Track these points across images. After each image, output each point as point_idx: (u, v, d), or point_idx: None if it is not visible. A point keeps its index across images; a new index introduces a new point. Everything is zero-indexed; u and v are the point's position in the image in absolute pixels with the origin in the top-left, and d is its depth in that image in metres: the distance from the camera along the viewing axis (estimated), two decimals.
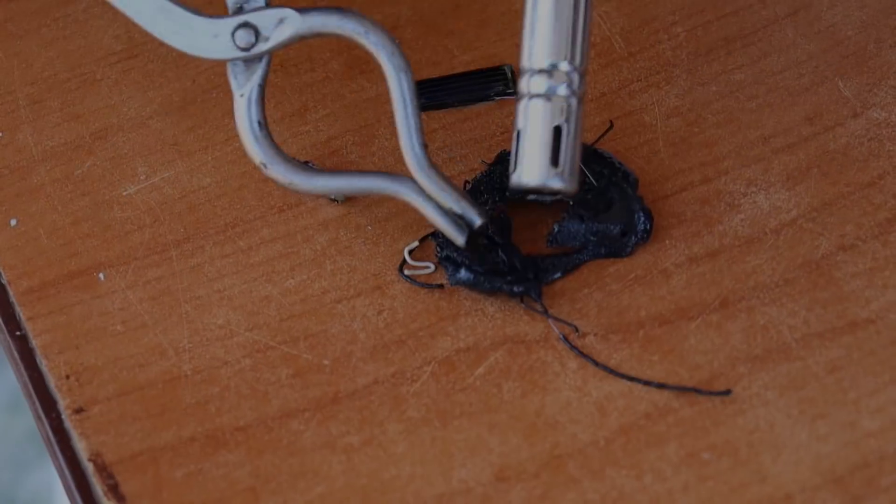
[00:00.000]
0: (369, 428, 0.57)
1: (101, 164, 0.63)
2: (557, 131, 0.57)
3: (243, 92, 0.57)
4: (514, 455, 0.56)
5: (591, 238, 0.60)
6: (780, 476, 0.55)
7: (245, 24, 0.57)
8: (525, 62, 0.58)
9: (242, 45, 0.57)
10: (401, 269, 0.60)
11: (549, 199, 0.59)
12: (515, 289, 0.59)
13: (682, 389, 0.57)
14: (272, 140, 0.57)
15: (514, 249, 0.60)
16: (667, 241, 0.61)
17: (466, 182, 0.61)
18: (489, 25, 0.67)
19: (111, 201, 0.62)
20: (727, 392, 0.56)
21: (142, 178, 0.63)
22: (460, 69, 0.65)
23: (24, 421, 1.30)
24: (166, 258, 0.61)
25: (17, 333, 0.59)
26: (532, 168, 0.57)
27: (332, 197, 0.62)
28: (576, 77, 0.57)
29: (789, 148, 0.63)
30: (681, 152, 0.63)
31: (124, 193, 0.62)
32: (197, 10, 0.58)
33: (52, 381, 0.58)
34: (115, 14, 0.66)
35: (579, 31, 0.58)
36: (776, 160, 0.63)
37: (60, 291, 0.60)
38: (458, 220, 0.57)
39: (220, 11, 0.58)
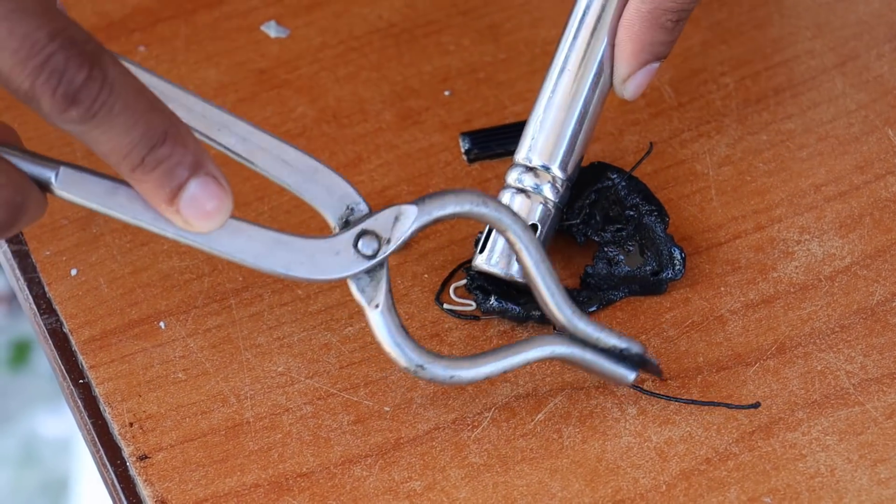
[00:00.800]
0: (431, 473, 0.57)
1: None
2: (532, 229, 0.59)
3: (377, 303, 0.55)
4: (576, 500, 0.57)
5: (622, 280, 0.61)
6: None
7: (364, 233, 0.55)
8: (520, 157, 0.60)
9: (367, 253, 0.55)
10: (437, 299, 0.61)
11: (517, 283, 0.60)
12: (542, 318, 0.59)
13: (710, 404, 0.58)
14: (415, 340, 0.56)
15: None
16: (722, 288, 0.62)
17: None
18: (538, 76, 0.68)
19: (170, 250, 0.63)
20: (756, 405, 0.57)
21: None
22: (511, 119, 0.67)
23: (36, 475, 1.30)
24: (225, 306, 0.62)
25: (80, 381, 0.60)
26: (491, 256, 0.59)
27: None
28: (561, 184, 0.60)
29: (841, 196, 0.64)
30: (733, 200, 0.64)
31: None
32: (309, 235, 0.55)
33: (115, 429, 0.58)
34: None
35: (579, 141, 0.60)
36: (828, 208, 0.64)
37: (122, 340, 0.60)
38: (620, 357, 0.57)
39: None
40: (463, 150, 0.66)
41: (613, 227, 0.61)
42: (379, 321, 0.55)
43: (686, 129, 0.66)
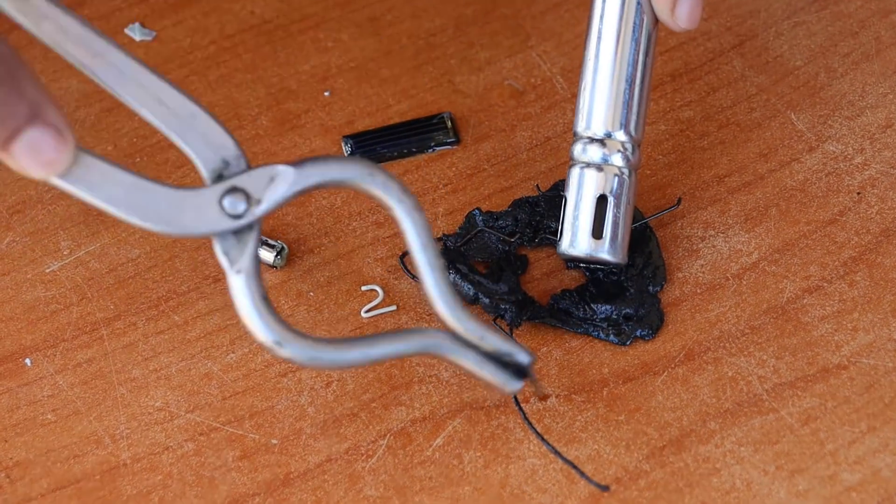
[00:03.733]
0: None
1: (20, 241, 0.60)
2: (602, 202, 0.57)
3: (239, 267, 0.51)
4: None
5: (590, 316, 0.58)
6: None
7: (233, 190, 0.51)
8: (579, 128, 0.58)
9: (233, 212, 0.51)
10: (402, 260, 0.59)
11: (599, 268, 0.59)
12: (492, 302, 0.57)
13: (568, 462, 0.54)
14: (279, 316, 0.51)
15: (516, 280, 0.58)
16: None
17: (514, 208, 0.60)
18: (423, 72, 0.65)
19: (34, 280, 0.59)
20: (606, 487, 0.54)
21: (65, 252, 0.60)
22: (396, 119, 0.64)
23: None
24: (97, 338, 0.58)
25: None
26: (574, 238, 0.57)
27: (273, 263, 0.59)
28: (630, 147, 0.57)
29: (745, 187, 0.62)
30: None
31: (47, 270, 0.60)
32: (174, 185, 0.52)
33: None
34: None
35: (636, 98, 0.57)
36: (733, 200, 0.61)
37: None
38: (505, 364, 0.53)
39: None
40: (346, 155, 0.63)
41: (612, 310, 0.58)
42: (241, 287, 0.51)
43: (573, 121, 0.63)
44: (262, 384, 0.57)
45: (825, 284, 0.59)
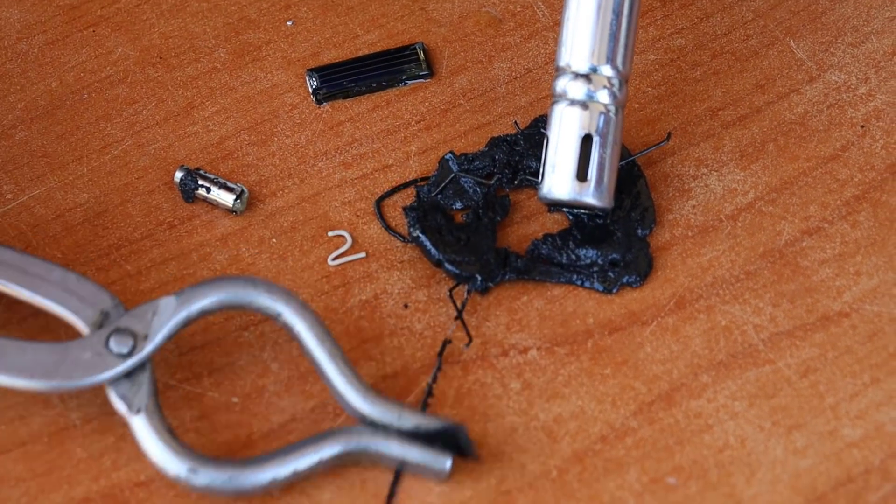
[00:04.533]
0: None
1: None
2: (587, 142, 0.53)
3: (139, 407, 0.50)
4: (457, 494, 0.51)
5: (574, 262, 0.55)
6: (756, 498, 0.51)
7: (116, 331, 0.50)
8: (562, 62, 0.54)
9: (120, 352, 0.50)
10: (377, 204, 0.56)
11: (583, 213, 0.56)
12: (457, 270, 0.54)
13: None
14: (187, 445, 0.50)
15: (491, 235, 0.55)
16: None
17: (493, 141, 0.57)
18: None
19: None
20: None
21: (8, 197, 0.57)
22: (365, 51, 0.60)
23: None
24: None
25: None
26: (556, 180, 0.54)
27: (232, 208, 0.56)
28: (617, 83, 0.53)
29: (741, 121, 0.58)
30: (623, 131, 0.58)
31: None
32: (53, 340, 0.51)
33: None
34: None
35: (623, 30, 0.53)
36: (727, 136, 0.58)
37: None
38: (432, 440, 0.50)
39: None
40: (311, 90, 0.59)
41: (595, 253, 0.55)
42: (143, 426, 0.50)
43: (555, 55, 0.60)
44: (221, 338, 0.54)
45: (826, 225, 0.56)
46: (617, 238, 0.55)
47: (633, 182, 0.56)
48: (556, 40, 0.60)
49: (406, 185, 0.57)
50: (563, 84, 0.54)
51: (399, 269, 0.55)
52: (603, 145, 0.54)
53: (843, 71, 0.59)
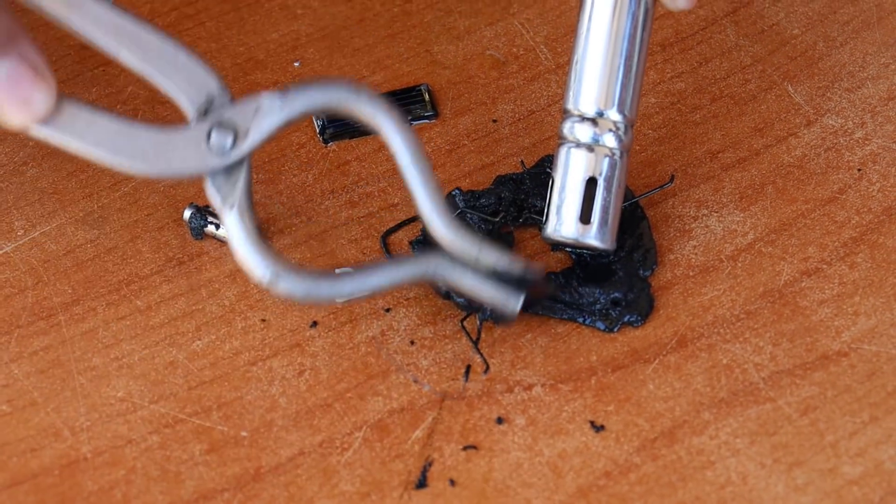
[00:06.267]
0: None
1: None
2: (591, 184, 0.56)
3: (232, 203, 0.52)
4: None
5: (577, 300, 0.57)
6: None
7: (218, 125, 0.51)
8: (570, 105, 0.56)
9: (221, 148, 0.51)
10: (383, 239, 0.59)
11: (586, 252, 0.58)
12: (466, 300, 0.56)
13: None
14: (274, 249, 0.52)
15: None
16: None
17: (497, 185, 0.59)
18: (398, 41, 0.64)
19: None
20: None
21: (19, 233, 0.59)
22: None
23: None
24: (54, 324, 0.57)
25: None
26: (560, 222, 0.56)
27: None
28: (623, 127, 0.56)
29: (740, 163, 0.61)
30: None
31: (0, 252, 0.58)
32: (159, 126, 0.52)
33: None
34: None
35: (632, 76, 0.56)
36: (727, 178, 0.61)
37: None
38: (506, 281, 0.53)
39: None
40: (318, 129, 0.62)
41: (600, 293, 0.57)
42: (234, 222, 0.52)
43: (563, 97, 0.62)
44: (230, 373, 0.56)
45: (824, 266, 0.58)
46: (619, 278, 0.58)
47: (635, 223, 0.59)
48: (559, 83, 0.62)
49: (412, 220, 0.59)
50: (570, 126, 0.56)
51: (405, 307, 0.58)
52: (607, 188, 0.56)
53: (840, 115, 0.62)
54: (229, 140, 0.51)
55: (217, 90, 0.52)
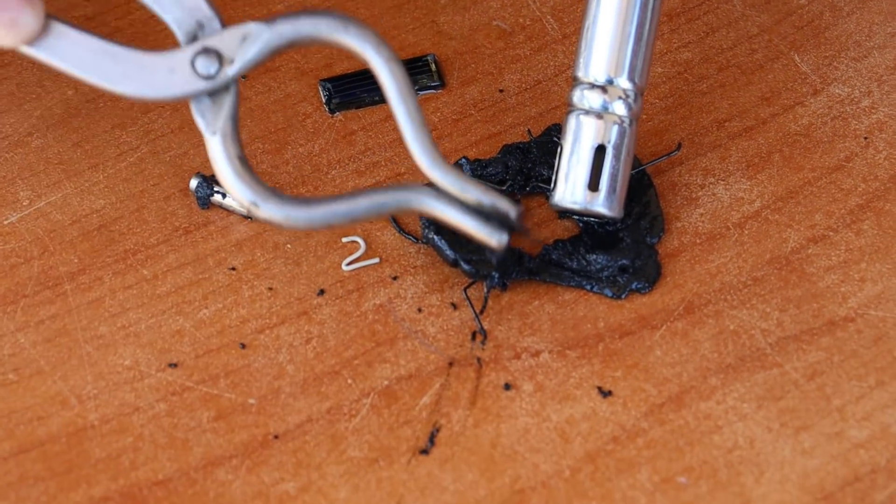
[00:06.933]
0: (306, 472, 0.54)
1: None
2: (600, 152, 0.56)
3: (215, 129, 0.53)
4: (471, 493, 0.54)
5: (585, 267, 0.58)
6: (765, 497, 0.54)
7: (204, 51, 0.53)
8: (580, 72, 0.57)
9: (205, 73, 0.53)
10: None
11: (593, 220, 0.58)
12: (473, 268, 0.56)
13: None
14: (256, 175, 0.53)
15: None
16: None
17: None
18: (404, 11, 0.64)
19: None
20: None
21: (25, 203, 0.59)
22: None
23: None
24: (60, 293, 0.57)
25: None
26: (569, 189, 0.57)
27: (247, 214, 0.59)
28: (633, 95, 0.56)
29: (747, 132, 0.61)
30: None
31: (6, 222, 0.59)
32: (145, 49, 0.53)
33: None
34: None
35: (643, 43, 0.56)
36: (734, 146, 0.61)
37: None
38: (490, 218, 0.53)
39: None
40: (324, 100, 0.62)
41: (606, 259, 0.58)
42: (218, 150, 0.53)
43: (572, 65, 0.63)
44: (237, 341, 0.57)
45: (831, 233, 0.59)
46: (626, 245, 0.58)
47: (643, 191, 0.59)
48: (566, 53, 0.63)
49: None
50: (580, 94, 0.57)
51: (412, 274, 0.58)
52: (616, 156, 0.57)
53: (847, 84, 0.62)
54: (214, 65, 0.52)
55: (208, 15, 0.53)
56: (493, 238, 0.53)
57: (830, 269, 0.58)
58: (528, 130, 0.60)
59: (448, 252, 0.57)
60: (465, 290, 0.57)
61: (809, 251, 0.59)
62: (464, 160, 0.60)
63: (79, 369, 0.56)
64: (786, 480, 0.54)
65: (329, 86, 0.62)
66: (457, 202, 0.53)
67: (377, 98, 0.62)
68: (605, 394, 0.55)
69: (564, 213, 0.59)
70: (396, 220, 0.59)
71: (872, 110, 0.62)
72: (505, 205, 0.53)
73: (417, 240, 0.58)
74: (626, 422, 0.55)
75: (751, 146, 0.61)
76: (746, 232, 0.59)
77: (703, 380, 0.56)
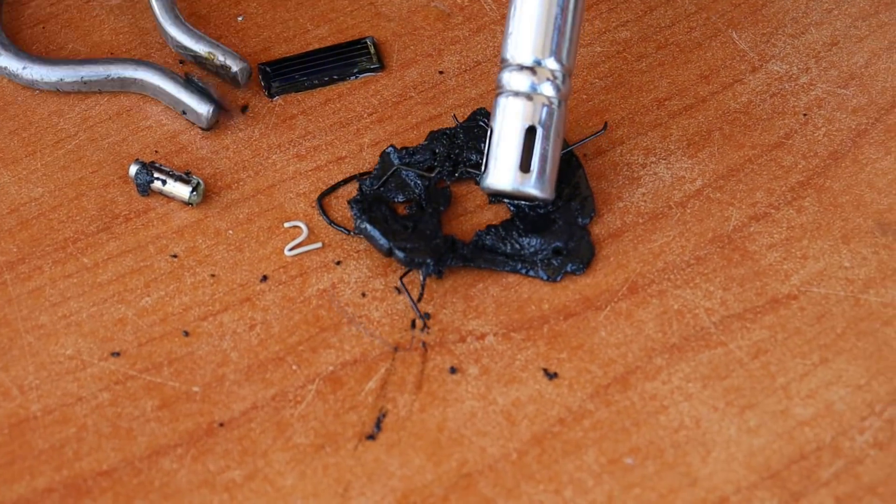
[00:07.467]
0: (252, 460, 0.54)
1: None
2: (531, 133, 0.56)
3: None
4: (419, 477, 0.54)
5: (518, 251, 0.58)
6: (711, 477, 0.54)
7: None
8: (507, 55, 0.57)
9: None
10: (319, 201, 0.59)
11: (524, 203, 0.58)
12: (407, 256, 0.56)
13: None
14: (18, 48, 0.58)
15: (436, 223, 0.57)
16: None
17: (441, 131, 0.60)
18: None
19: None
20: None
21: None
22: (316, 45, 0.63)
23: None
24: None
25: None
26: (499, 171, 0.56)
27: (188, 200, 0.59)
28: (561, 76, 0.56)
29: (687, 110, 0.62)
30: (568, 122, 0.61)
31: None
32: None
33: None
34: None
35: (569, 25, 0.56)
36: (674, 125, 0.61)
37: None
38: (201, 91, 0.59)
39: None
40: (262, 84, 0.62)
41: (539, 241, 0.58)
42: None
43: (500, 48, 0.63)
44: (180, 329, 0.56)
45: (772, 211, 0.59)
46: (559, 227, 0.58)
47: (571, 172, 0.59)
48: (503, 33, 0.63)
49: (348, 181, 0.60)
50: (508, 76, 0.57)
51: (356, 259, 0.58)
52: (546, 137, 0.57)
53: (785, 61, 0.63)
54: None
55: None
56: (201, 107, 0.59)
57: (773, 246, 0.59)
58: (454, 116, 0.60)
59: (382, 241, 0.57)
60: (401, 279, 0.57)
61: (751, 229, 0.59)
62: (391, 149, 0.59)
63: (20, 360, 0.56)
64: (732, 459, 0.54)
65: (268, 69, 0.62)
66: (174, 76, 0.58)
67: (317, 81, 0.62)
68: (551, 376, 0.56)
69: (495, 197, 0.59)
70: (326, 213, 0.59)
71: (811, 87, 0.62)
72: (231, 60, 0.59)
73: (349, 231, 0.58)
74: (573, 403, 0.55)
75: (691, 124, 0.61)
76: (689, 211, 0.59)
77: (649, 360, 0.56)
